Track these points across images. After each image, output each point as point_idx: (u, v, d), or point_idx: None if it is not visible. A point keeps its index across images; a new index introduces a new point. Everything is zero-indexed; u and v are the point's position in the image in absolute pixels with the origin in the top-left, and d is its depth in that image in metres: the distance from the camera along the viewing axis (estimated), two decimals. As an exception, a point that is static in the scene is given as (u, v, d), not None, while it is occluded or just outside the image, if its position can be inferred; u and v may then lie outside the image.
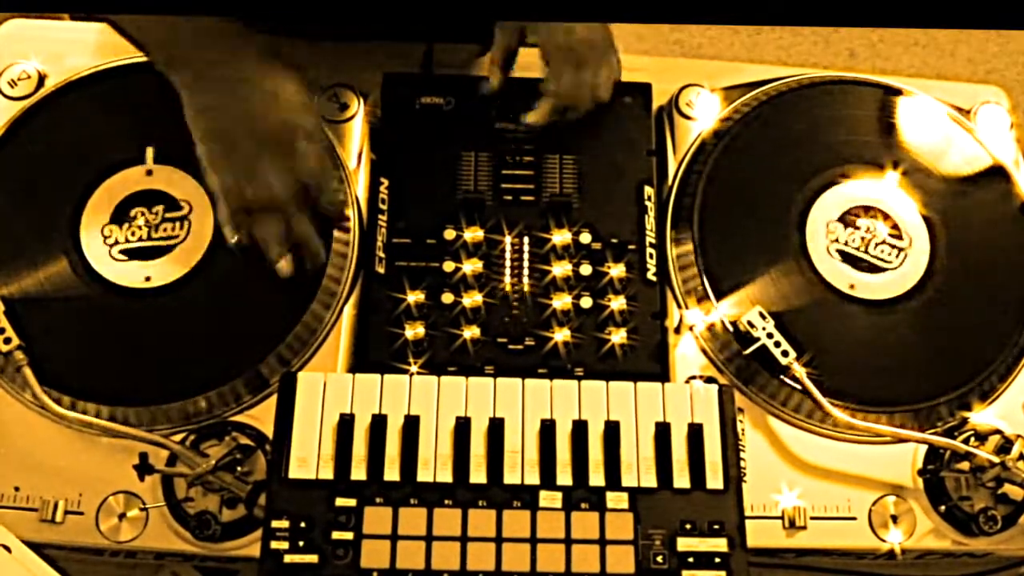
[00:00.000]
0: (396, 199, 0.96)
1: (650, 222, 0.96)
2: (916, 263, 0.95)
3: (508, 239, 0.95)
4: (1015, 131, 1.03)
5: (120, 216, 0.93)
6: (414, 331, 0.91)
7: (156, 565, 0.90)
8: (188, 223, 0.93)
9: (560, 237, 0.95)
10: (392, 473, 0.81)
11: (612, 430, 0.83)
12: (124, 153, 0.95)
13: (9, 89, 1.00)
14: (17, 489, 0.86)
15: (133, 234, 0.92)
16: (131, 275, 0.91)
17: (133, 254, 0.92)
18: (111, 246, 0.92)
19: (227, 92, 0.90)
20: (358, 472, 0.81)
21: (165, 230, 0.93)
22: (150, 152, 0.94)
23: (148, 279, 0.91)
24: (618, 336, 0.92)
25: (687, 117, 1.01)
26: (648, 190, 0.97)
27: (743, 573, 0.79)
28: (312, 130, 0.91)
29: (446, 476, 0.81)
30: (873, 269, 0.95)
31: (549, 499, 0.81)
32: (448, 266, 0.94)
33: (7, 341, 0.87)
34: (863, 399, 0.90)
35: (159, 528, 0.85)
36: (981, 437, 0.89)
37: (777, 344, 0.89)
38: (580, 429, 0.83)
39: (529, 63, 1.04)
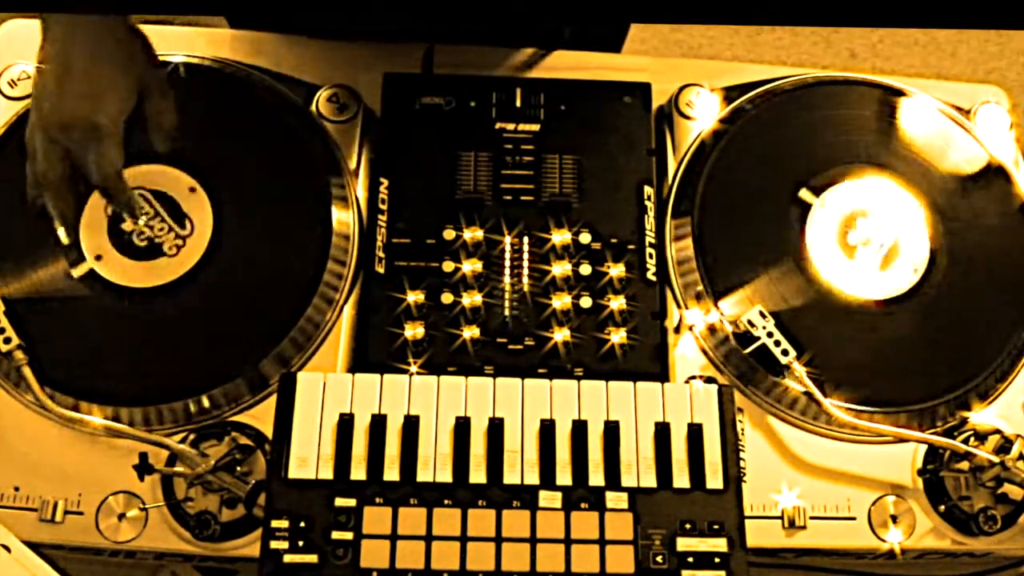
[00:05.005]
0: (396, 199, 0.96)
1: (650, 222, 0.96)
2: (916, 263, 0.95)
3: (508, 239, 0.95)
4: (1015, 131, 1.03)
5: (119, 217, 0.93)
6: (414, 331, 0.91)
7: (156, 565, 0.90)
8: (187, 222, 0.93)
9: (560, 237, 0.95)
10: (392, 473, 0.81)
11: (612, 430, 0.83)
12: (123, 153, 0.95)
13: (9, 89, 1.00)
14: (17, 489, 0.86)
15: (136, 235, 0.93)
16: (132, 275, 0.91)
17: (134, 254, 0.92)
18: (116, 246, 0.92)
19: (57, 71, 0.88)
20: (358, 472, 0.81)
21: (163, 229, 0.93)
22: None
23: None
24: (618, 336, 0.92)
25: (687, 117, 1.01)
26: (648, 190, 0.97)
27: (743, 573, 0.79)
28: (113, 130, 0.89)
29: (446, 476, 0.81)
30: (872, 268, 0.95)
31: (549, 499, 0.81)
32: (448, 266, 0.94)
33: (7, 341, 0.87)
34: (863, 399, 0.90)
35: (159, 528, 0.85)
36: (981, 437, 0.89)
37: (777, 343, 0.89)
38: (580, 429, 0.83)
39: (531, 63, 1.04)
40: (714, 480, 0.82)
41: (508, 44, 1.05)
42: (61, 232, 0.91)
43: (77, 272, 0.91)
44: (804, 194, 0.95)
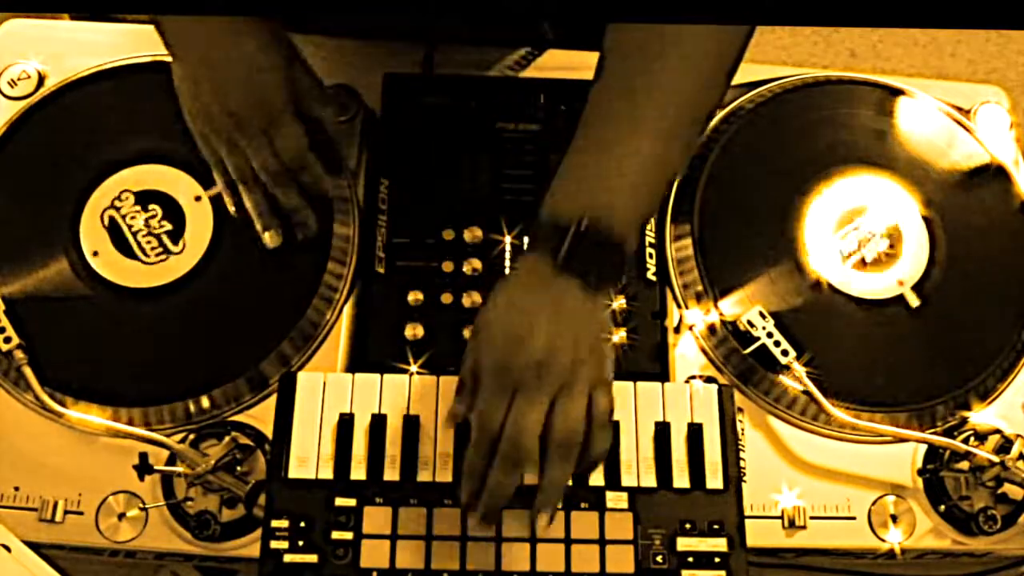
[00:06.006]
0: (396, 199, 0.96)
1: (650, 222, 0.96)
2: (916, 263, 0.95)
3: (508, 239, 0.95)
4: (1015, 131, 1.03)
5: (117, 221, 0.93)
6: (414, 331, 0.91)
7: (156, 565, 0.90)
8: (187, 223, 0.93)
9: (560, 237, 0.95)
10: (392, 473, 0.81)
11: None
12: (123, 153, 0.95)
13: (9, 89, 1.00)
14: (17, 489, 0.86)
15: (133, 235, 0.93)
16: (132, 275, 0.91)
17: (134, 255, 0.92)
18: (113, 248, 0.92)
19: (202, 62, 0.88)
20: (358, 472, 0.81)
21: (163, 227, 0.93)
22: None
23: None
24: (618, 336, 0.91)
25: (687, 117, 1.01)
26: (648, 190, 0.97)
27: (743, 573, 0.79)
28: (282, 108, 0.88)
29: (446, 476, 0.81)
30: (872, 268, 0.95)
31: (549, 499, 0.81)
32: (448, 266, 0.93)
33: (7, 340, 0.87)
34: (863, 399, 0.90)
35: (159, 528, 0.85)
36: (981, 437, 0.89)
37: (777, 343, 0.89)
38: (580, 429, 0.82)
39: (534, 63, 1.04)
40: (714, 480, 0.82)
41: (500, 44, 1.05)
42: (270, 235, 0.91)
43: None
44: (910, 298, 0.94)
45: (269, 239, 0.91)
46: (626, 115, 0.80)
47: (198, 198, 0.94)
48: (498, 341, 0.77)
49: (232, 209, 0.92)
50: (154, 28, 0.89)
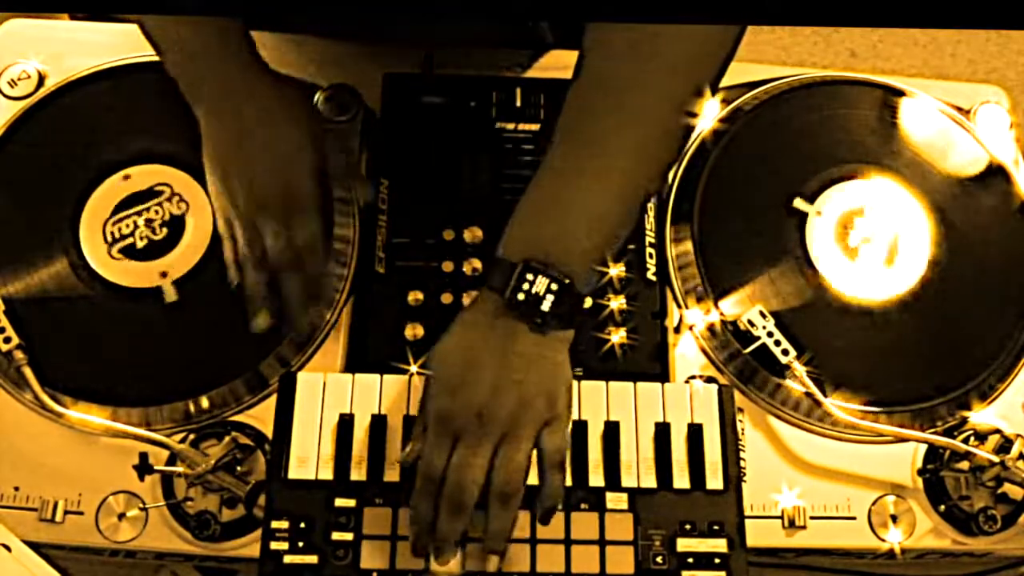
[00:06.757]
0: (396, 199, 0.96)
1: (650, 222, 0.96)
2: (916, 263, 0.95)
3: (508, 239, 0.95)
4: (1015, 131, 1.03)
5: (120, 215, 0.93)
6: (414, 331, 0.91)
7: (156, 565, 0.90)
8: (187, 222, 0.93)
9: (560, 237, 0.94)
10: (392, 473, 0.81)
11: (612, 430, 0.83)
12: (124, 153, 0.95)
13: (9, 89, 1.00)
14: (17, 489, 0.86)
15: (133, 234, 0.93)
16: (132, 275, 0.91)
17: (133, 254, 0.92)
18: (110, 245, 0.92)
19: (234, 139, 0.87)
20: (358, 472, 0.81)
21: (163, 229, 0.93)
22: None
23: (164, 275, 0.91)
24: (618, 336, 0.91)
25: (687, 117, 1.01)
26: (648, 190, 0.97)
27: (743, 573, 0.79)
28: (307, 201, 0.88)
29: (446, 476, 0.81)
30: (872, 268, 0.95)
31: (549, 499, 0.81)
32: (448, 266, 0.93)
33: (7, 340, 0.87)
34: (863, 399, 0.90)
35: (159, 528, 0.85)
36: (981, 437, 0.89)
37: (777, 343, 0.89)
38: (580, 429, 0.83)
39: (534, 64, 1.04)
40: (714, 480, 0.82)
41: (500, 46, 1.05)
42: (261, 317, 0.87)
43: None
44: (799, 203, 0.95)
45: (261, 321, 0.87)
46: (611, 114, 0.79)
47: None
48: (443, 387, 0.78)
49: (234, 281, 0.88)
50: (185, 92, 0.88)
